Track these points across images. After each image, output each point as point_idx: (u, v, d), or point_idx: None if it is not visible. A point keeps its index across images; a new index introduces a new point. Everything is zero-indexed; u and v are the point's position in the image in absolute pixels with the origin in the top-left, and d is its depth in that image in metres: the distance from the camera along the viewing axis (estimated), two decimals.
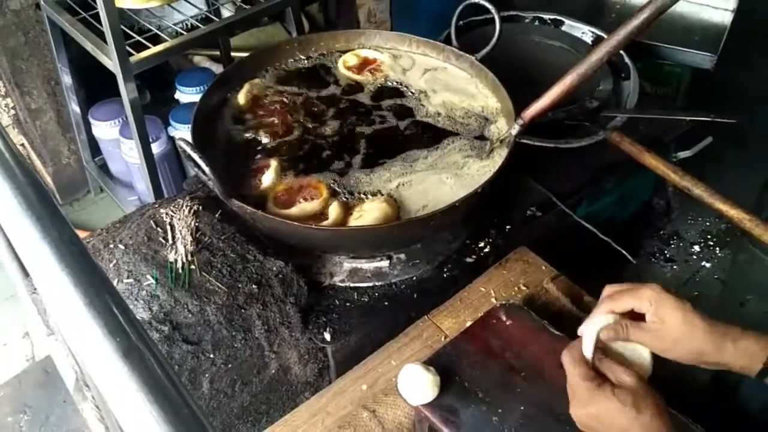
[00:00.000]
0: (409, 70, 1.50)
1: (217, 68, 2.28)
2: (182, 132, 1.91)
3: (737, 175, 1.89)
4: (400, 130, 1.36)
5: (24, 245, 0.65)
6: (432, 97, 1.41)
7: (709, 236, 2.12)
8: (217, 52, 2.33)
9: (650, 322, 0.90)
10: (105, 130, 1.97)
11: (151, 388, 0.53)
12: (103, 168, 2.17)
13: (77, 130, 2.07)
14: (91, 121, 1.99)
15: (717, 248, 2.09)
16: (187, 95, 2.02)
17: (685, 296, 1.90)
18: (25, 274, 1.41)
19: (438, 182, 1.23)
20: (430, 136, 1.35)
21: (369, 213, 1.14)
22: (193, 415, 0.53)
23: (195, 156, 1.09)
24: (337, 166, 1.29)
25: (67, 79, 1.94)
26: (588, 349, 0.92)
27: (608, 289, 0.96)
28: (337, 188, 1.23)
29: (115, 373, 0.54)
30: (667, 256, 2.09)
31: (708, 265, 2.06)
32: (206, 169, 1.09)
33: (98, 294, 0.60)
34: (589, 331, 0.93)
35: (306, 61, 1.53)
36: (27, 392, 1.75)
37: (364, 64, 1.48)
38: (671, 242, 2.12)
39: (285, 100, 1.43)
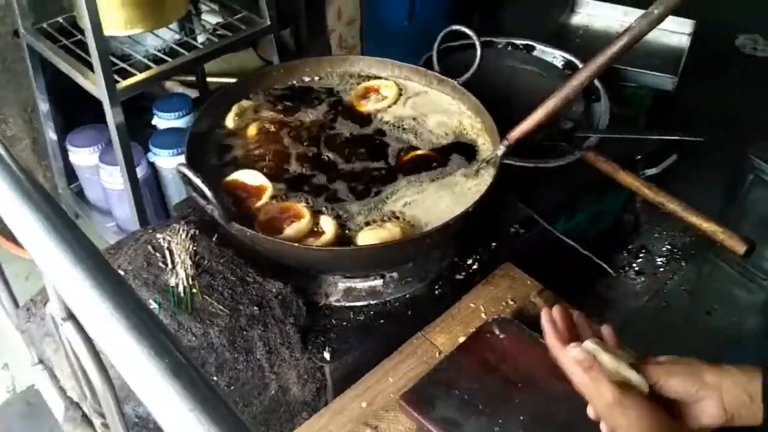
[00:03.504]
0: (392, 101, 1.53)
1: (192, 93, 2.30)
2: (163, 158, 1.92)
3: (695, 190, 1.99)
4: (401, 150, 1.41)
5: (58, 272, 0.66)
6: (426, 121, 1.47)
7: (675, 250, 2.21)
8: (189, 77, 2.35)
9: None
10: (83, 156, 1.96)
11: (205, 407, 0.55)
12: (79, 195, 2.16)
13: (53, 156, 2.05)
14: (69, 147, 1.97)
15: (683, 261, 2.18)
16: (166, 121, 2.03)
17: (654, 307, 1.97)
18: (15, 304, 1.40)
19: (437, 200, 1.28)
20: (432, 156, 1.40)
21: (378, 232, 1.18)
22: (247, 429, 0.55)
23: (198, 181, 1.11)
24: (334, 189, 1.33)
25: (44, 106, 1.93)
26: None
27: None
28: (340, 212, 1.27)
29: (167, 394, 0.56)
30: (636, 269, 2.18)
31: (675, 277, 2.15)
32: (209, 193, 1.11)
33: (140, 317, 0.62)
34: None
35: (292, 86, 1.57)
36: (10, 424, 1.72)
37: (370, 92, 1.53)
38: (640, 256, 2.21)
39: (275, 124, 1.46)
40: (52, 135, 1.99)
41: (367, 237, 1.19)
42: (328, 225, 1.22)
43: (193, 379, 0.57)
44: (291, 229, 1.20)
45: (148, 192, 1.95)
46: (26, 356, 1.44)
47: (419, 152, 1.39)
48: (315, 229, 1.22)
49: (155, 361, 0.58)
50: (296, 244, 1.15)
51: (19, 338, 1.43)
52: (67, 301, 0.69)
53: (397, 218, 1.25)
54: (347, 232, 1.23)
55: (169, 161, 1.93)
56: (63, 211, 0.74)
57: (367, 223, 1.24)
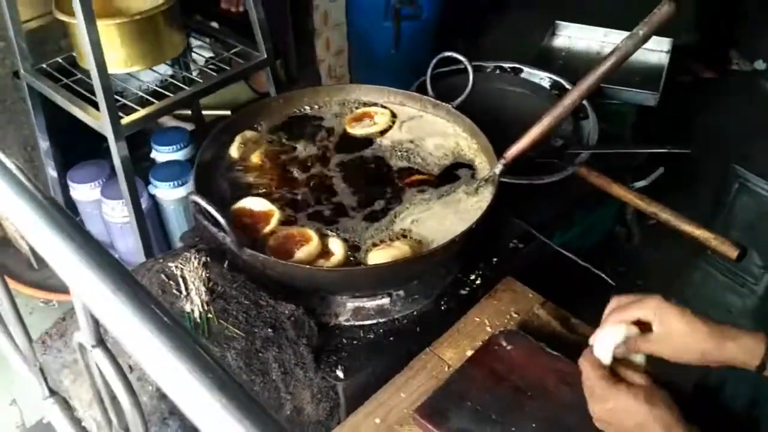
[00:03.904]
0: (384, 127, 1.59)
1: (189, 126, 2.35)
2: (163, 190, 1.96)
3: (682, 199, 2.06)
4: (403, 172, 1.47)
5: (97, 300, 0.69)
6: (423, 144, 1.52)
7: (666, 259, 2.27)
8: (183, 111, 2.40)
9: (657, 332, 0.99)
10: (85, 192, 1.99)
11: (254, 420, 0.58)
12: None
13: (54, 193, 2.08)
14: (70, 184, 2.00)
15: (674, 270, 2.24)
16: (164, 154, 2.07)
17: None
18: (29, 339, 1.41)
19: (442, 219, 1.33)
20: (434, 176, 1.46)
21: (389, 250, 1.22)
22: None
23: (212, 210, 1.15)
24: (339, 211, 1.37)
25: (44, 144, 1.96)
26: (606, 357, 1.01)
27: (615, 301, 1.06)
28: (347, 234, 1.31)
29: (217, 409, 0.58)
30: (630, 280, 2.23)
31: (668, 286, 2.20)
32: (222, 221, 1.15)
33: (181, 338, 0.65)
34: (607, 341, 1.02)
35: (292, 115, 1.62)
36: None
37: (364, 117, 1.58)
38: (633, 266, 2.26)
39: (278, 152, 1.51)
40: (52, 172, 2.02)
41: (378, 256, 1.24)
42: (336, 246, 1.26)
43: (239, 393, 0.61)
44: (302, 253, 1.24)
45: (150, 224, 1.98)
46: (35, 391, 1.45)
47: (421, 177, 1.45)
48: (324, 251, 1.26)
49: (200, 376, 0.61)
50: (310, 266, 1.19)
51: (27, 374, 1.45)
52: (108, 327, 0.72)
53: (405, 236, 1.30)
54: (356, 252, 1.28)
55: (169, 193, 1.96)
56: (95, 239, 0.77)
57: (375, 244, 1.29)
